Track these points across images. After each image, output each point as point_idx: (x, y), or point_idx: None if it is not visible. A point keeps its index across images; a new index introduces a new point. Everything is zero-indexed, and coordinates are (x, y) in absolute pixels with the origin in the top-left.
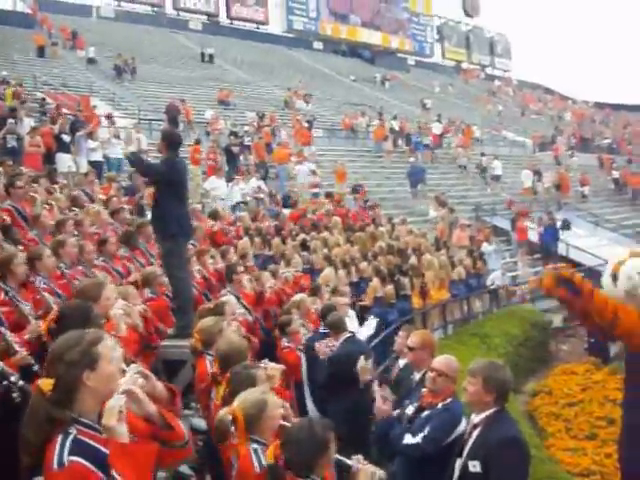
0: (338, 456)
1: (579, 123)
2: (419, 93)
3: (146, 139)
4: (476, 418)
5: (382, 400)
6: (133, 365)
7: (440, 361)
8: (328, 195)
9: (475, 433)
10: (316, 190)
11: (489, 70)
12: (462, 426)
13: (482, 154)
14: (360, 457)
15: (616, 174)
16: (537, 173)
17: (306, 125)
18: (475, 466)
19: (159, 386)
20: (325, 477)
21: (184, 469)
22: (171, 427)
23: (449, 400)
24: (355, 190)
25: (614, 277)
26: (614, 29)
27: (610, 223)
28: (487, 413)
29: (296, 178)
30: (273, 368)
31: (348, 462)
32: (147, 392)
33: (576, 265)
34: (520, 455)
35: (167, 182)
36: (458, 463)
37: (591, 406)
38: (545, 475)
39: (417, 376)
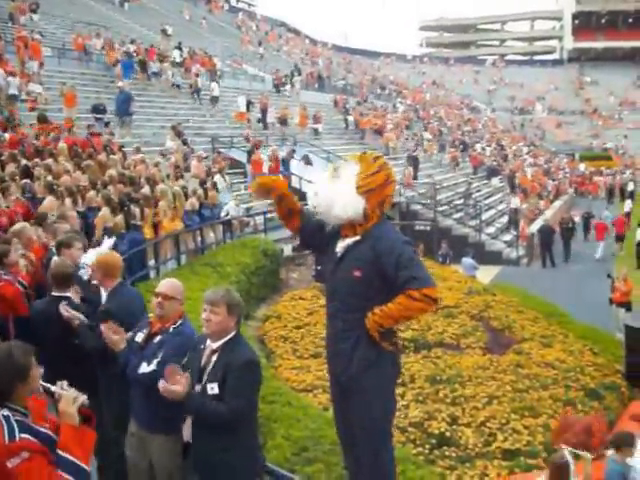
0: (43, 383)
1: (325, 65)
2: (161, 19)
3: None
4: (214, 344)
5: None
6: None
7: (164, 285)
8: (41, 119)
9: (214, 358)
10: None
11: (233, 3)
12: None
13: (196, 74)
14: (65, 383)
15: (349, 114)
16: (250, 103)
17: (38, 37)
18: (213, 388)
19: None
20: (29, 407)
21: None
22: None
23: (179, 322)
24: (97, 110)
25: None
26: None
27: (341, 159)
28: (226, 338)
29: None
30: None
31: (52, 388)
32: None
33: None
34: (257, 376)
35: None
36: (198, 389)
37: (316, 328)
38: (270, 392)
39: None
